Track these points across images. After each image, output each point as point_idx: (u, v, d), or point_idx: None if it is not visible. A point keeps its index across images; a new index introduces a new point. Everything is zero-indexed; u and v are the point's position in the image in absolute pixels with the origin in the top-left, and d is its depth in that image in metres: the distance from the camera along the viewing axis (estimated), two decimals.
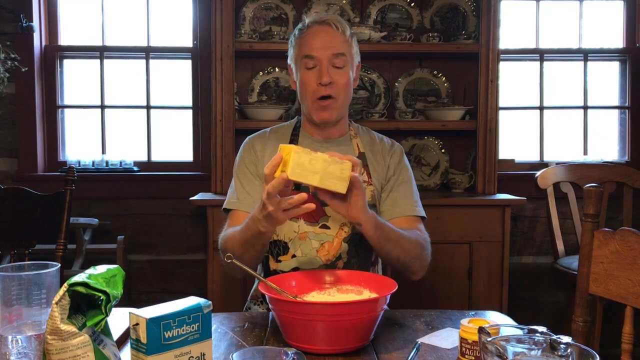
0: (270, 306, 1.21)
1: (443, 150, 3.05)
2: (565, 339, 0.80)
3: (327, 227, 1.61)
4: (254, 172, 1.68)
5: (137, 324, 0.93)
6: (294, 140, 1.72)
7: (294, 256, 1.62)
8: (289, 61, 1.73)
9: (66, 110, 3.21)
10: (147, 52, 3.18)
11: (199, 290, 3.02)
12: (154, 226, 3.11)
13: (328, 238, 1.61)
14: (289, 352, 0.90)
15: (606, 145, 3.30)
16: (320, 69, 1.61)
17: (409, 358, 1.12)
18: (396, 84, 3.06)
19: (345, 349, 1.15)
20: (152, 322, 0.92)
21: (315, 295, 1.33)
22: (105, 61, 3.18)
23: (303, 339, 1.15)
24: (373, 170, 1.69)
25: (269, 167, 1.27)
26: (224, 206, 1.68)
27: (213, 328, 1.15)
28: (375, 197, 1.67)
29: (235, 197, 1.66)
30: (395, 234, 1.48)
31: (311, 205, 1.27)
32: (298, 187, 1.60)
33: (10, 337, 0.94)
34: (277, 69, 3.02)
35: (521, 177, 3.08)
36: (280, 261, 1.64)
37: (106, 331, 0.95)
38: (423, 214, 1.69)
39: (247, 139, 1.76)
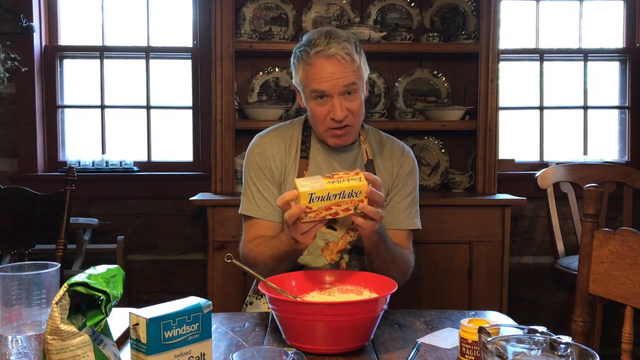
0: (270, 306, 1.21)
1: (443, 150, 3.05)
2: (565, 339, 0.80)
3: (334, 229, 1.61)
4: (269, 177, 1.65)
5: (137, 324, 0.93)
6: (305, 141, 1.69)
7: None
8: (294, 82, 1.66)
9: (66, 110, 3.21)
10: (147, 52, 3.18)
11: (199, 290, 3.02)
12: (154, 226, 3.11)
13: (333, 238, 1.62)
14: (289, 352, 0.90)
15: (606, 145, 3.30)
16: (332, 104, 1.54)
17: (409, 358, 1.12)
18: (396, 84, 3.06)
19: (345, 349, 1.15)
20: (152, 322, 0.92)
21: (315, 295, 1.33)
22: (105, 61, 3.18)
23: (303, 339, 1.15)
24: (380, 177, 1.68)
25: (281, 200, 1.30)
26: (241, 211, 1.67)
27: (213, 328, 1.15)
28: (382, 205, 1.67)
29: (256, 204, 1.64)
30: (387, 256, 1.51)
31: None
32: None
33: (10, 337, 0.94)
34: (277, 69, 3.02)
35: (521, 177, 3.08)
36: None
37: (106, 331, 0.95)
38: (418, 226, 1.70)
39: (257, 139, 1.71)
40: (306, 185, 1.23)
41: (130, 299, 3.07)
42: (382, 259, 1.51)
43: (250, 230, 1.65)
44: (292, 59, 1.64)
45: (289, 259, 1.51)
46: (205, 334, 0.99)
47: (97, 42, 3.18)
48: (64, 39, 3.19)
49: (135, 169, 3.11)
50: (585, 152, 3.26)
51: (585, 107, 3.27)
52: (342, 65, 1.52)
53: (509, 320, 1.34)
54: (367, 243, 1.47)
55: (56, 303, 0.87)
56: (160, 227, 3.11)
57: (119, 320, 1.18)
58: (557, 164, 3.07)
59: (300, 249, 1.45)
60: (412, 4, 3.03)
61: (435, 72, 3.07)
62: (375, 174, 1.65)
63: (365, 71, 1.62)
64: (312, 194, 1.22)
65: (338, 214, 1.26)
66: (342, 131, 1.58)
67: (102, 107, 3.19)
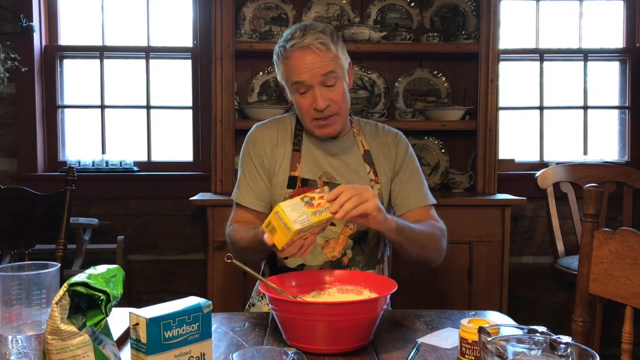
0: (270, 306, 1.21)
1: (443, 150, 3.05)
2: (565, 339, 0.80)
3: (333, 224, 1.61)
4: (259, 165, 1.68)
5: (137, 324, 0.93)
6: (298, 135, 1.70)
7: None
8: (279, 79, 1.69)
9: (66, 110, 3.21)
10: (147, 52, 3.18)
11: (199, 290, 3.02)
12: (154, 226, 3.11)
13: (333, 235, 1.62)
14: (289, 352, 0.90)
15: (606, 145, 3.30)
16: (312, 94, 1.57)
17: (409, 358, 1.12)
18: (396, 84, 3.06)
19: (345, 349, 1.15)
20: (152, 322, 0.92)
21: (315, 295, 1.33)
22: (105, 61, 3.18)
23: (303, 339, 1.15)
24: (379, 167, 1.69)
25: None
26: (232, 196, 1.72)
27: (213, 328, 1.15)
28: (382, 194, 1.68)
29: (240, 190, 1.68)
30: (415, 234, 1.51)
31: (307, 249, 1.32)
32: (306, 183, 1.61)
33: (10, 337, 0.94)
34: None
35: (521, 177, 3.08)
36: (286, 258, 1.64)
37: (106, 331, 0.95)
38: (434, 201, 1.71)
39: (254, 128, 1.74)
40: (296, 220, 1.22)
41: (130, 299, 3.07)
42: (413, 243, 1.50)
43: (235, 214, 1.70)
44: (273, 57, 1.67)
45: (263, 252, 1.54)
46: (205, 334, 0.99)
47: (97, 42, 3.18)
48: (64, 39, 3.19)
49: (135, 169, 3.11)
50: (585, 152, 3.26)
51: (585, 107, 3.27)
52: (317, 55, 1.56)
53: (509, 320, 1.34)
54: (392, 238, 1.45)
55: (56, 303, 0.87)
56: (160, 227, 3.11)
57: (119, 320, 1.18)
58: (557, 164, 3.07)
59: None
60: (412, 4, 3.03)
61: (435, 72, 3.07)
62: (373, 164, 1.69)
63: (345, 60, 1.63)
64: (300, 230, 1.22)
65: (306, 237, 1.29)
66: (326, 121, 1.61)
67: (102, 107, 3.19)
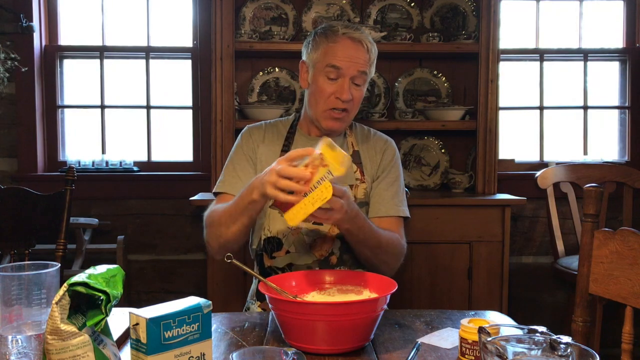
0: (270, 306, 1.21)
1: (443, 150, 3.05)
2: (565, 339, 0.80)
3: (320, 224, 1.61)
4: (249, 158, 1.70)
5: (137, 324, 0.93)
6: (289, 137, 1.73)
7: (287, 252, 1.63)
8: (304, 58, 1.70)
9: (66, 110, 3.21)
10: (147, 52, 3.18)
11: (199, 290, 3.02)
12: (154, 226, 3.11)
13: (320, 234, 1.62)
14: (289, 352, 0.90)
15: (606, 145, 3.30)
16: (342, 83, 1.61)
17: (409, 358, 1.11)
18: (396, 84, 3.06)
19: (345, 349, 1.15)
20: (152, 322, 0.92)
21: (315, 295, 1.33)
22: (105, 61, 3.18)
23: (303, 339, 1.15)
24: (365, 168, 1.72)
25: (296, 152, 1.31)
26: (214, 189, 1.71)
27: (213, 328, 1.15)
28: (367, 194, 1.70)
29: (226, 182, 1.68)
30: (371, 242, 1.54)
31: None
32: None
33: (10, 337, 0.94)
34: (277, 69, 3.02)
35: (521, 177, 3.08)
36: (274, 257, 1.65)
37: (106, 331, 0.95)
38: (407, 214, 1.72)
39: (246, 127, 1.78)
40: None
41: (130, 299, 3.07)
42: (365, 245, 1.54)
43: (216, 202, 1.66)
44: (311, 37, 1.68)
45: (242, 217, 1.46)
46: (205, 334, 0.99)
47: (97, 42, 3.18)
48: (64, 39, 3.19)
49: (135, 169, 3.11)
50: (585, 152, 3.26)
51: (585, 107, 3.27)
52: (363, 51, 1.62)
53: (509, 320, 1.34)
54: (342, 231, 1.51)
55: (56, 303, 0.87)
56: (160, 227, 3.11)
57: (119, 320, 1.18)
58: (557, 164, 3.07)
59: (256, 205, 1.41)
60: (412, 4, 3.03)
61: (435, 72, 3.06)
62: (361, 164, 1.72)
63: (373, 72, 1.69)
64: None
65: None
66: (341, 114, 1.64)
67: (102, 107, 3.19)
